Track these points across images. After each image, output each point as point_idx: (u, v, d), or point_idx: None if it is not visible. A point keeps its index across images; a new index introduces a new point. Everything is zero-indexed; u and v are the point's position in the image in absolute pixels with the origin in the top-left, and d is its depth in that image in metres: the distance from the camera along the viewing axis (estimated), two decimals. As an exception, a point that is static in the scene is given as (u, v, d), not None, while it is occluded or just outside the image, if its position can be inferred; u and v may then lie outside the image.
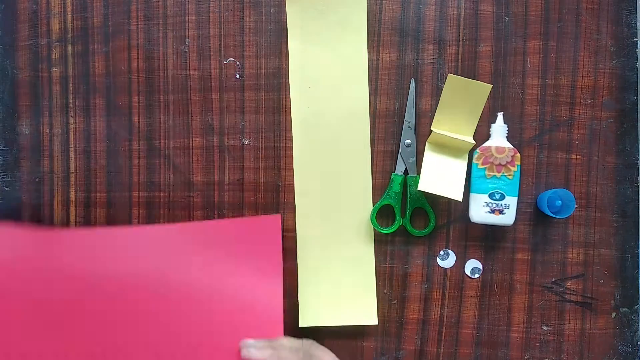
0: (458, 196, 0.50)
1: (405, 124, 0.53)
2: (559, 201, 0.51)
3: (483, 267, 0.54)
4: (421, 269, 0.54)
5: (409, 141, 0.53)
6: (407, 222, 0.53)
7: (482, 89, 0.50)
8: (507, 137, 0.52)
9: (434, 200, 0.53)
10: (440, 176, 0.51)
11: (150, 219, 0.55)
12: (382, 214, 0.53)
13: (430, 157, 0.52)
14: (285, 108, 0.54)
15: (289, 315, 0.52)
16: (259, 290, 0.49)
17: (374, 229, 0.53)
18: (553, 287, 0.54)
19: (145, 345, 0.47)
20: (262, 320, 0.48)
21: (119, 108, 0.55)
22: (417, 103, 0.53)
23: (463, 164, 0.52)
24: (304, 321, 0.53)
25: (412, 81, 0.53)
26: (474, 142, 0.51)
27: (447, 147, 0.52)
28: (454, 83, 0.50)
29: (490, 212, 0.50)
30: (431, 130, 0.52)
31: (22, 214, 0.56)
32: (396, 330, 0.54)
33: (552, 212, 0.51)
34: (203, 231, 0.51)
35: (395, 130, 0.54)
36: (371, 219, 0.52)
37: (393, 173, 0.53)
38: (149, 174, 0.55)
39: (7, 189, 0.56)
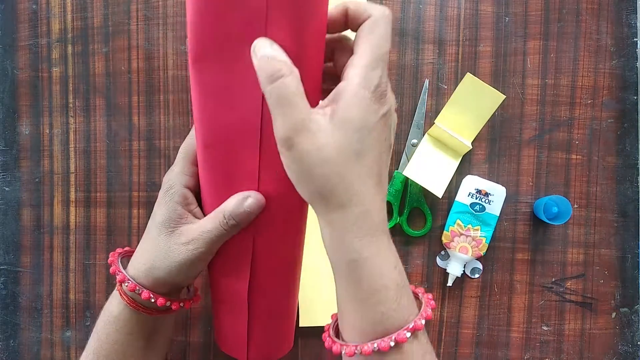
0: (439, 192, 0.50)
1: (414, 123, 0.53)
2: (555, 207, 0.51)
3: (483, 267, 0.54)
4: (421, 269, 0.54)
5: (415, 140, 0.53)
6: (403, 221, 0.53)
7: (495, 97, 0.49)
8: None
9: (433, 201, 0.53)
10: (429, 168, 0.51)
11: (150, 219, 0.55)
12: (382, 214, 0.54)
13: (425, 148, 0.52)
14: (285, 108, 0.54)
15: (289, 315, 0.52)
16: None
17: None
18: (553, 287, 0.54)
19: None
20: None
21: (119, 108, 0.55)
22: (425, 103, 0.53)
23: (454, 164, 0.52)
24: (304, 321, 0.53)
25: (426, 82, 0.53)
26: (471, 147, 0.51)
27: (444, 144, 0.52)
28: (469, 83, 0.49)
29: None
30: (433, 123, 0.52)
31: (22, 214, 0.56)
32: (396, 330, 0.54)
33: (548, 219, 0.51)
34: None
35: (395, 130, 0.54)
36: (371, 219, 0.52)
37: (396, 171, 0.53)
38: (149, 174, 0.55)
39: (7, 189, 0.56)
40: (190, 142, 0.40)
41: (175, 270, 0.38)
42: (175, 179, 0.39)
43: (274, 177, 0.35)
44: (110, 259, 0.42)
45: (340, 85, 0.31)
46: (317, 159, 0.30)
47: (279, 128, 0.30)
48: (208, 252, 0.38)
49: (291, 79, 0.30)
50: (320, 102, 0.32)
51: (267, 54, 0.30)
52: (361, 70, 0.30)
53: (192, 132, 0.39)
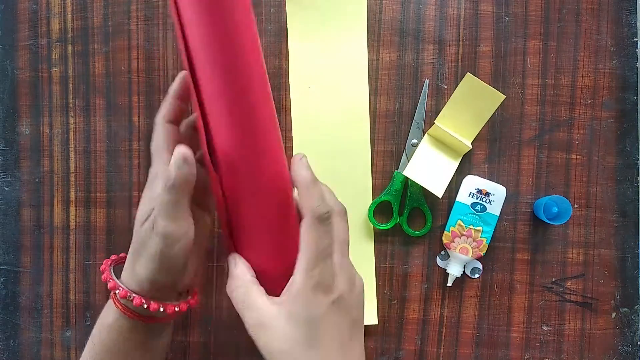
0: (439, 192, 0.50)
1: (414, 123, 0.53)
2: (555, 207, 0.51)
3: (483, 267, 0.54)
4: (421, 269, 0.54)
5: (415, 140, 0.53)
6: (403, 221, 0.53)
7: (495, 97, 0.49)
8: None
9: (433, 201, 0.53)
10: (429, 168, 0.51)
11: (150, 219, 0.55)
12: (380, 211, 0.53)
13: (425, 148, 0.52)
14: (285, 108, 0.54)
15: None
16: None
17: (373, 227, 0.53)
18: (553, 287, 0.54)
19: None
20: None
21: (119, 108, 0.55)
22: (425, 103, 0.53)
23: (454, 164, 0.52)
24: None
25: (426, 82, 0.53)
26: (471, 147, 0.51)
27: (444, 144, 0.52)
28: (469, 83, 0.49)
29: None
30: (434, 123, 0.52)
31: (22, 214, 0.56)
32: (396, 330, 0.54)
33: (548, 219, 0.51)
34: None
35: (395, 130, 0.54)
36: (368, 214, 0.52)
37: (396, 171, 0.53)
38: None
39: (7, 189, 0.56)
40: (157, 139, 0.40)
41: (158, 264, 0.37)
42: (155, 170, 0.39)
43: (219, 130, 0.37)
44: (102, 266, 0.41)
45: (291, 279, 0.36)
46: (274, 350, 0.35)
47: (246, 326, 0.36)
48: (174, 229, 0.36)
49: (244, 290, 0.37)
50: (283, 291, 0.37)
51: (230, 273, 0.38)
52: (303, 270, 0.35)
53: (156, 131, 0.40)
